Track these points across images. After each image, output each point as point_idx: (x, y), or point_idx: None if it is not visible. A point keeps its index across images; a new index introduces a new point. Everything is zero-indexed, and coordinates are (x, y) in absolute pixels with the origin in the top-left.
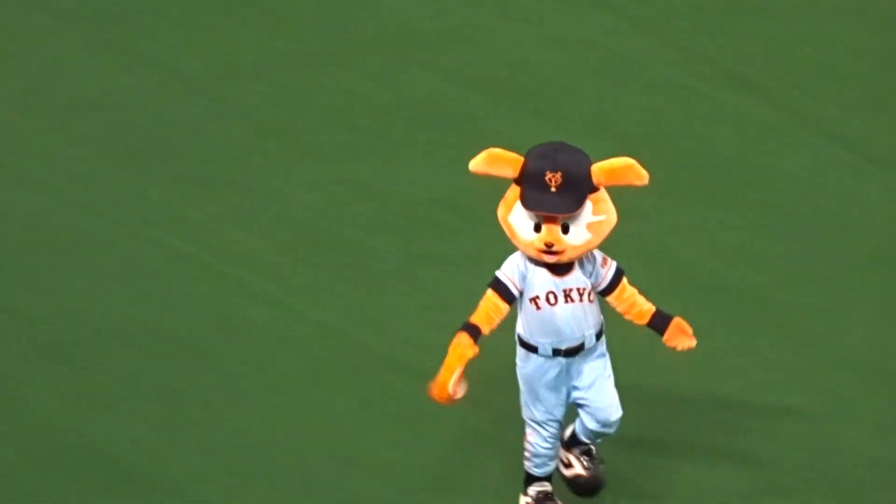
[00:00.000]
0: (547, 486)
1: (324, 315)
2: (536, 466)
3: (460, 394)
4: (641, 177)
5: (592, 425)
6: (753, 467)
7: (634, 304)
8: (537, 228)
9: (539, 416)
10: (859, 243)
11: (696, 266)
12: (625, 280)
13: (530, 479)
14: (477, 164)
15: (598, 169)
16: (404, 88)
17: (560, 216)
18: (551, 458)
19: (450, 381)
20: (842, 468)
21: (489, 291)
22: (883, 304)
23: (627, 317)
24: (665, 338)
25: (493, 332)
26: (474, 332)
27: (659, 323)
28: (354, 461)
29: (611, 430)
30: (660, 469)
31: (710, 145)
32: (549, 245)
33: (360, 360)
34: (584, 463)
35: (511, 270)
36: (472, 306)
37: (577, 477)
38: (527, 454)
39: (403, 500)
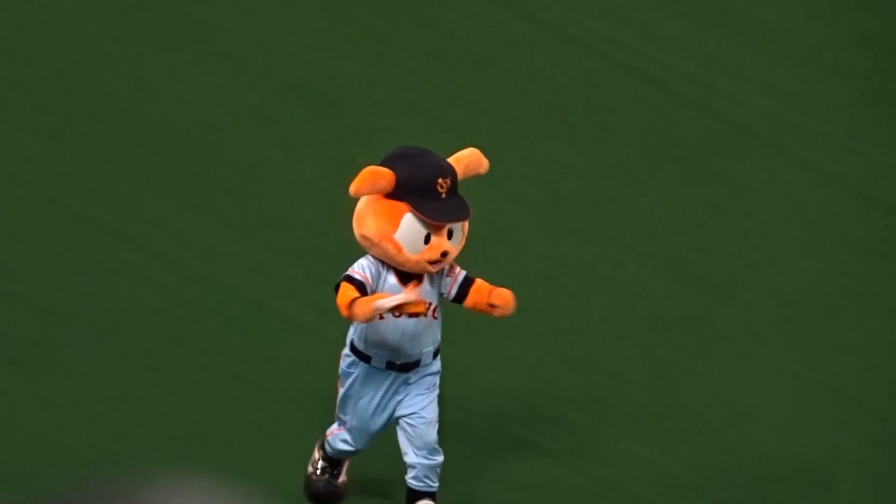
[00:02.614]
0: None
1: None
2: (333, 453)
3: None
4: (485, 164)
5: (411, 448)
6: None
7: (483, 293)
8: (426, 240)
9: (350, 421)
10: None
11: None
12: (475, 285)
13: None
14: (359, 186)
15: (456, 164)
16: None
17: (457, 221)
18: (347, 455)
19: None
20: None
21: (343, 284)
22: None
23: (490, 310)
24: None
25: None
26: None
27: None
28: None
29: (432, 458)
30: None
31: None
32: (444, 254)
33: None
34: None
35: (363, 269)
36: None
37: None
38: (327, 443)
39: None
